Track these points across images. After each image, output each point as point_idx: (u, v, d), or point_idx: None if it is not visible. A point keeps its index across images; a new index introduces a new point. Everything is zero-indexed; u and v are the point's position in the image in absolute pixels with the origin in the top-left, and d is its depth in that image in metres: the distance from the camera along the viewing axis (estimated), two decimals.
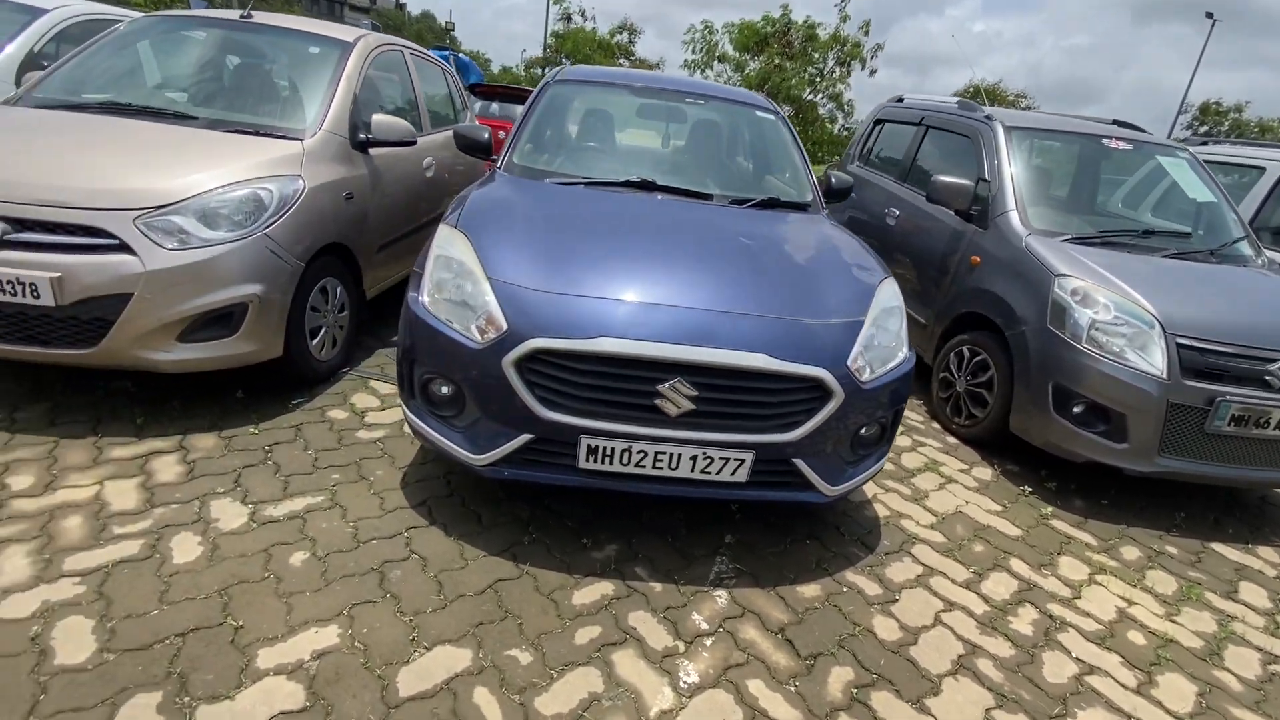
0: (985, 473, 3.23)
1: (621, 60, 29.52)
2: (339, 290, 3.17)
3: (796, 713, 1.73)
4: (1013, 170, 3.66)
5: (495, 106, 9.57)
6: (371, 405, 3.00)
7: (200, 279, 2.42)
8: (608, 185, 2.81)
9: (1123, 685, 2.02)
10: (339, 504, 2.29)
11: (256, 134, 2.94)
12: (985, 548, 2.60)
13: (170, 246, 2.37)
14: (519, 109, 9.49)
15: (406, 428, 2.83)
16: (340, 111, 3.22)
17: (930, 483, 3.05)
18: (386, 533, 2.18)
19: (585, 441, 1.98)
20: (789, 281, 2.29)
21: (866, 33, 21.95)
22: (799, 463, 2.09)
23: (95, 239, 2.31)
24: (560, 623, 1.91)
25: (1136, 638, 2.24)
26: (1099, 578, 2.53)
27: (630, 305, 2.02)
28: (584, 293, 2.03)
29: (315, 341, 3.00)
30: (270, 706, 1.54)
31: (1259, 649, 2.30)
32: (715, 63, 23.54)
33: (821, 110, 23.24)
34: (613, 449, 1.99)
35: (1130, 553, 2.75)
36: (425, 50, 4.78)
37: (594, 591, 2.06)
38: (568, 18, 30.95)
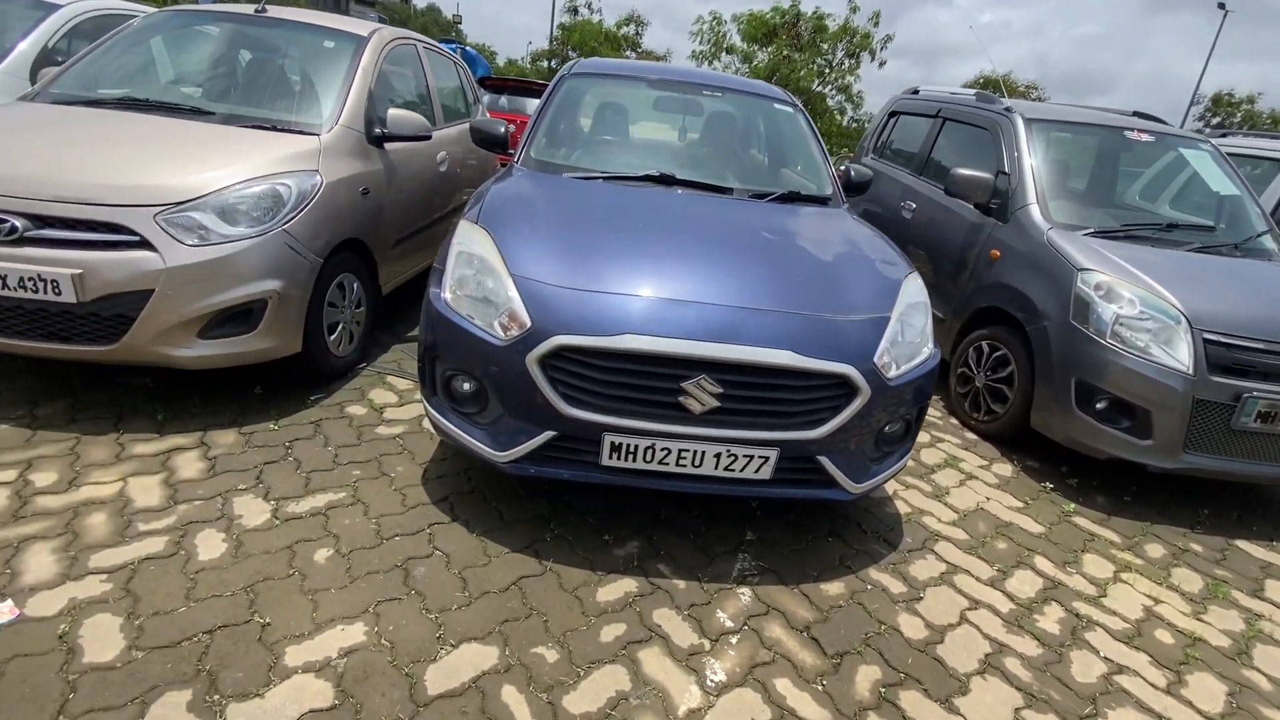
0: (1005, 469, 3.21)
1: (628, 52, 29.38)
2: (356, 286, 3.16)
3: (825, 712, 1.72)
4: (1033, 163, 3.61)
5: (504, 100, 9.55)
6: (389, 401, 2.99)
7: (220, 275, 2.41)
8: (627, 180, 2.79)
9: (1152, 685, 1.99)
10: (361, 500, 2.29)
11: (273, 129, 2.93)
12: (1008, 545, 2.58)
13: (190, 243, 2.37)
14: (528, 101, 9.53)
15: (426, 424, 2.83)
16: (356, 106, 3.20)
17: (950, 479, 3.03)
18: (409, 529, 2.18)
19: (609, 439, 1.97)
20: (813, 277, 2.27)
21: (876, 24, 21.75)
22: (823, 460, 2.07)
23: (116, 235, 2.31)
24: (585, 620, 1.90)
25: (1164, 637, 2.22)
26: (1124, 576, 2.51)
27: (654, 302, 2.00)
28: (607, 289, 2.02)
29: (333, 337, 3.00)
30: (300, 705, 1.54)
31: None
32: (723, 54, 23.39)
33: (830, 102, 23.08)
34: (636, 446, 1.98)
35: (1155, 550, 2.72)
36: (438, 43, 4.75)
37: (618, 588, 2.05)
38: (574, 10, 30.83)
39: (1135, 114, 4.39)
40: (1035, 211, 3.44)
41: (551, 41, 32.84)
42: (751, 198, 2.85)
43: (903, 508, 2.73)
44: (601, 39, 29.20)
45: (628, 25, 30.45)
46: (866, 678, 1.84)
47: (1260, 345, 2.77)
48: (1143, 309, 2.85)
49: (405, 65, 4.02)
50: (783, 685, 1.78)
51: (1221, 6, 30.14)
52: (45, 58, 3.98)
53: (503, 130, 3.12)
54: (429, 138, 3.61)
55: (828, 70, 22.54)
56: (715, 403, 1.93)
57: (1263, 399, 2.73)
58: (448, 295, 2.12)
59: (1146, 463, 2.85)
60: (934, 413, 3.70)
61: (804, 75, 21.83)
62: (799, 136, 3.40)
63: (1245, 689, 2.05)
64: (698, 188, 2.80)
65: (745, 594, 2.10)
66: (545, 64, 34.61)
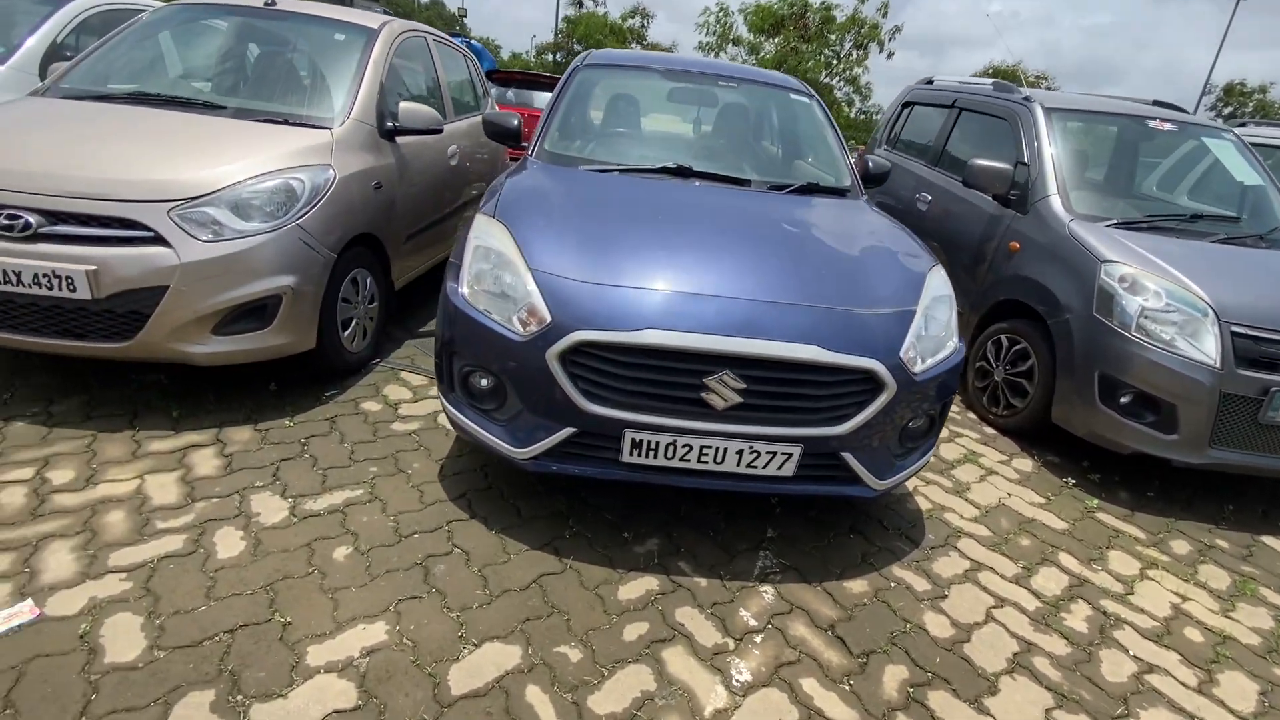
0: (1026, 464, 3.16)
1: (633, 45, 29.23)
2: (369, 281, 3.14)
3: (853, 712, 1.69)
4: (1054, 153, 3.55)
5: (511, 93, 9.50)
6: (404, 397, 2.97)
7: (235, 271, 2.39)
8: (643, 172, 2.75)
9: (1183, 685, 1.96)
10: (378, 497, 2.27)
11: (285, 123, 2.90)
12: (1032, 542, 2.54)
13: (205, 238, 2.35)
14: (535, 95, 9.46)
15: (441, 419, 2.81)
16: (368, 99, 3.17)
17: (971, 474, 2.99)
18: (428, 526, 2.16)
19: (629, 435, 1.94)
20: (837, 270, 2.23)
21: (884, 14, 21.55)
22: (847, 456, 2.04)
23: (130, 231, 2.29)
24: (607, 618, 1.88)
25: (1194, 635, 2.18)
26: (1151, 573, 2.47)
27: (675, 296, 1.97)
28: (627, 283, 1.98)
29: (347, 333, 2.98)
30: (323, 705, 1.52)
31: None
32: (729, 46, 23.23)
33: (838, 94, 22.91)
34: (657, 443, 1.95)
35: (1180, 547, 2.68)
36: (448, 36, 4.71)
37: (639, 586, 2.02)
38: (579, 2, 30.68)
39: (1155, 103, 4.32)
40: (1056, 202, 3.38)
41: (556, 35, 32.69)
42: (770, 189, 2.81)
43: (923, 504, 2.69)
44: (606, 31, 29.06)
45: (633, 18, 30.30)
46: (894, 677, 1.81)
47: None
48: (1169, 301, 2.79)
49: (415, 58, 3.98)
50: (809, 685, 1.75)
51: None
52: (54, 53, 3.96)
53: (516, 123, 3.08)
54: (441, 131, 3.58)
55: (835, 61, 22.37)
56: (738, 399, 1.90)
57: None
58: (465, 290, 2.09)
59: (1171, 458, 2.81)
60: (952, 407, 3.66)
61: (811, 67, 21.68)
62: (816, 127, 3.35)
63: (1277, 688, 2.01)
64: (715, 180, 2.76)
65: (768, 592, 2.07)
66: (550, 57, 34.47)
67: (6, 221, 2.24)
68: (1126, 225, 3.27)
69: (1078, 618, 2.16)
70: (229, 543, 1.98)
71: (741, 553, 2.24)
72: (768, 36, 22.43)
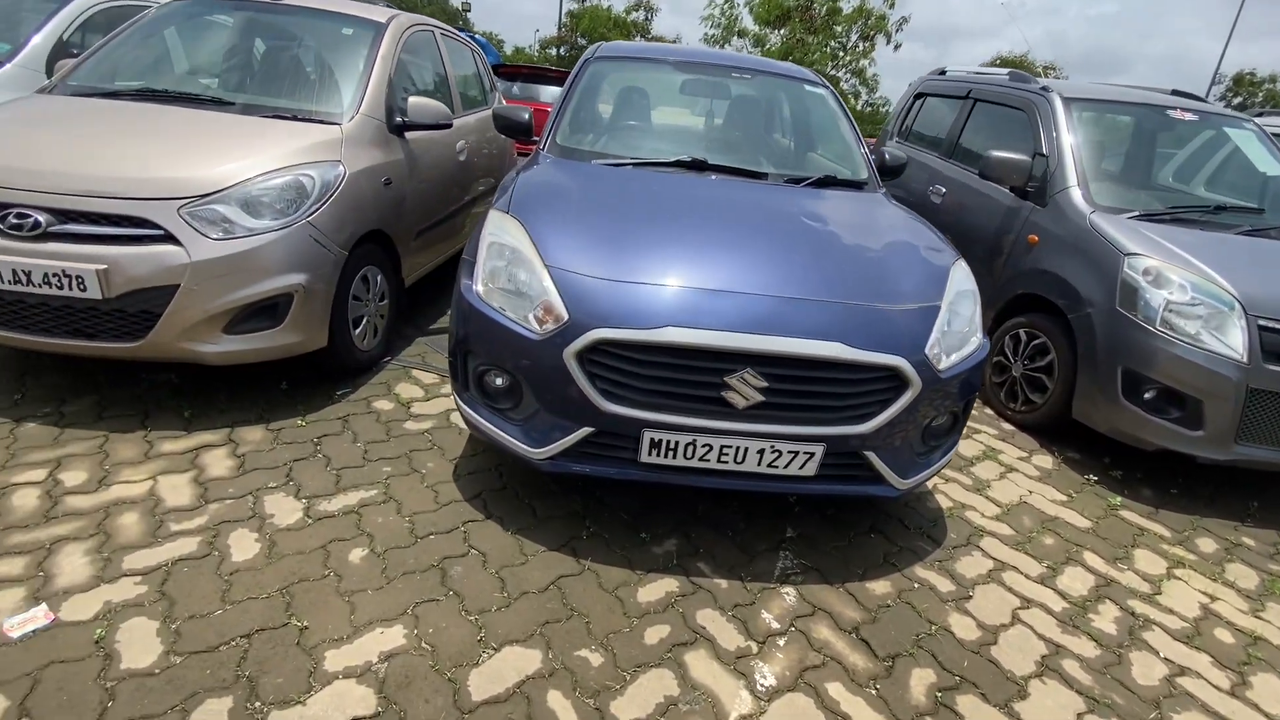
0: (1046, 461, 3.12)
1: (637, 38, 29.07)
2: (379, 279, 3.11)
3: (880, 718, 1.66)
4: (1073, 144, 3.48)
5: (516, 88, 9.43)
6: (416, 395, 2.94)
7: (246, 269, 2.36)
8: (658, 165, 2.71)
9: (1216, 687, 1.92)
10: (393, 498, 2.24)
11: (294, 119, 2.87)
12: (1055, 540, 2.50)
13: (215, 236, 2.32)
14: (542, 89, 9.40)
15: (454, 418, 2.78)
16: (377, 94, 3.13)
17: (990, 472, 2.94)
18: (443, 527, 2.13)
19: (648, 435, 1.90)
20: (859, 264, 2.18)
21: (892, 5, 21.35)
22: (870, 455, 1.99)
23: (140, 229, 2.26)
24: (628, 621, 1.85)
25: (1224, 635, 2.14)
26: (1178, 572, 2.42)
27: (696, 292, 1.92)
28: (646, 280, 1.94)
29: (358, 331, 2.95)
30: (343, 712, 1.49)
31: None
32: (735, 38, 23.07)
33: (844, 85, 22.73)
34: (676, 443, 1.91)
35: (1206, 545, 2.63)
36: (455, 30, 4.66)
37: (659, 588, 1.99)
38: None
39: (1174, 92, 4.24)
40: (1076, 194, 3.32)
41: (560, 28, 32.54)
42: (786, 182, 2.76)
43: (944, 502, 2.65)
44: (610, 25, 28.91)
45: (637, 11, 30.12)
46: (921, 681, 1.78)
47: None
48: (1194, 295, 2.74)
49: (423, 52, 3.94)
50: (835, 689, 1.72)
51: None
52: (61, 50, 3.93)
53: (527, 117, 3.04)
54: (450, 126, 3.54)
55: (842, 53, 22.18)
56: (759, 397, 1.86)
57: None
58: (480, 288, 2.06)
59: (1197, 454, 2.75)
60: None
61: (817, 59, 21.50)
62: (831, 119, 3.30)
63: None
64: (731, 173, 2.71)
65: (790, 593, 2.04)
66: (554, 51, 34.33)
67: (16, 221, 2.21)
68: (1149, 217, 3.20)
69: (1106, 619, 2.11)
70: (243, 545, 1.95)
71: (761, 553, 2.20)
72: (773, 28, 22.25)
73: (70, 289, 2.23)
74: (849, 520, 2.43)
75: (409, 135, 3.34)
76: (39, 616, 1.65)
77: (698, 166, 2.71)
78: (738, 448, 1.91)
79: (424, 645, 1.69)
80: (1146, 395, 2.82)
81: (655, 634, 1.82)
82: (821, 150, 3.27)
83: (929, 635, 1.94)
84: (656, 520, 2.29)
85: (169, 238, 2.27)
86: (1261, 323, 2.66)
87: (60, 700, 1.45)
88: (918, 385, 1.92)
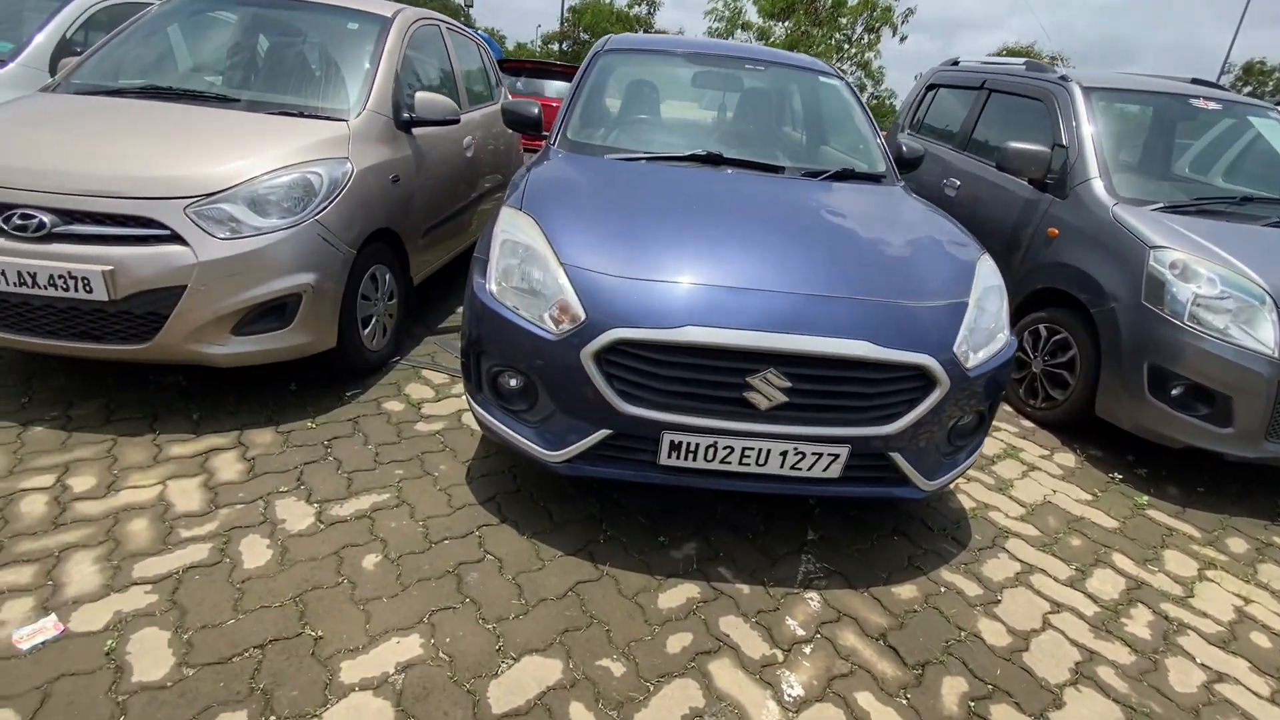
0: (1068, 459, 3.05)
1: (640, 32, 28.94)
2: (388, 278, 3.06)
3: None
4: (1094, 135, 3.41)
5: (520, 83, 9.37)
6: (426, 396, 2.90)
7: (254, 269, 2.32)
8: (672, 160, 2.65)
9: (1256, 694, 1.86)
10: (406, 502, 2.20)
11: (300, 115, 2.82)
12: (1083, 542, 2.44)
13: (222, 236, 2.27)
14: (546, 84, 9.33)
15: (466, 419, 2.73)
16: (384, 90, 3.08)
17: (1012, 470, 2.88)
18: (458, 532, 2.09)
19: (668, 437, 1.85)
20: (883, 260, 2.12)
21: None
22: (896, 456, 1.94)
23: (146, 229, 2.21)
24: (649, 629, 1.80)
25: (1260, 640, 2.07)
26: (1209, 573, 2.36)
27: (717, 290, 1.87)
28: (665, 278, 1.89)
29: (367, 331, 2.90)
30: None
31: None
32: (739, 30, 22.90)
33: (849, 78, 22.58)
34: (697, 445, 1.86)
35: (1237, 545, 2.57)
36: (461, 24, 4.60)
37: (679, 594, 1.94)
38: None
39: (1194, 80, 4.15)
40: (1098, 186, 3.24)
41: (562, 24, 32.41)
42: (804, 176, 2.70)
43: (966, 502, 2.59)
44: (613, 20, 28.77)
45: (639, 5, 29.96)
46: (953, 690, 1.72)
47: None
48: (1223, 288, 2.67)
49: (429, 47, 3.88)
50: (865, 699, 1.67)
51: None
52: (64, 49, 3.89)
53: (536, 111, 2.98)
54: (458, 121, 3.48)
55: (847, 45, 22.01)
56: (783, 398, 1.80)
57: None
58: (493, 287, 2.01)
59: (1225, 452, 2.69)
60: None
61: (822, 51, 21.34)
62: (847, 111, 3.23)
63: None
64: (747, 166, 2.65)
65: (813, 599, 1.98)
66: (556, 47, 34.20)
67: (20, 222, 2.17)
68: (1173, 209, 3.13)
69: (1139, 623, 2.06)
70: (255, 551, 1.91)
71: (783, 557, 2.15)
72: (778, 20, 22.09)
73: (76, 291, 2.19)
74: (871, 522, 2.37)
75: (416, 131, 3.29)
76: (48, 627, 1.61)
77: (713, 160, 2.65)
78: (760, 450, 1.86)
79: (441, 655, 1.65)
80: (1174, 391, 2.75)
81: (678, 642, 1.77)
82: (838, 143, 3.20)
83: (958, 641, 1.89)
84: (675, 523, 2.24)
85: (175, 238, 2.22)
86: None
87: (70, 715, 1.41)
88: (946, 384, 1.86)
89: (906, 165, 3.09)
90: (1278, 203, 3.43)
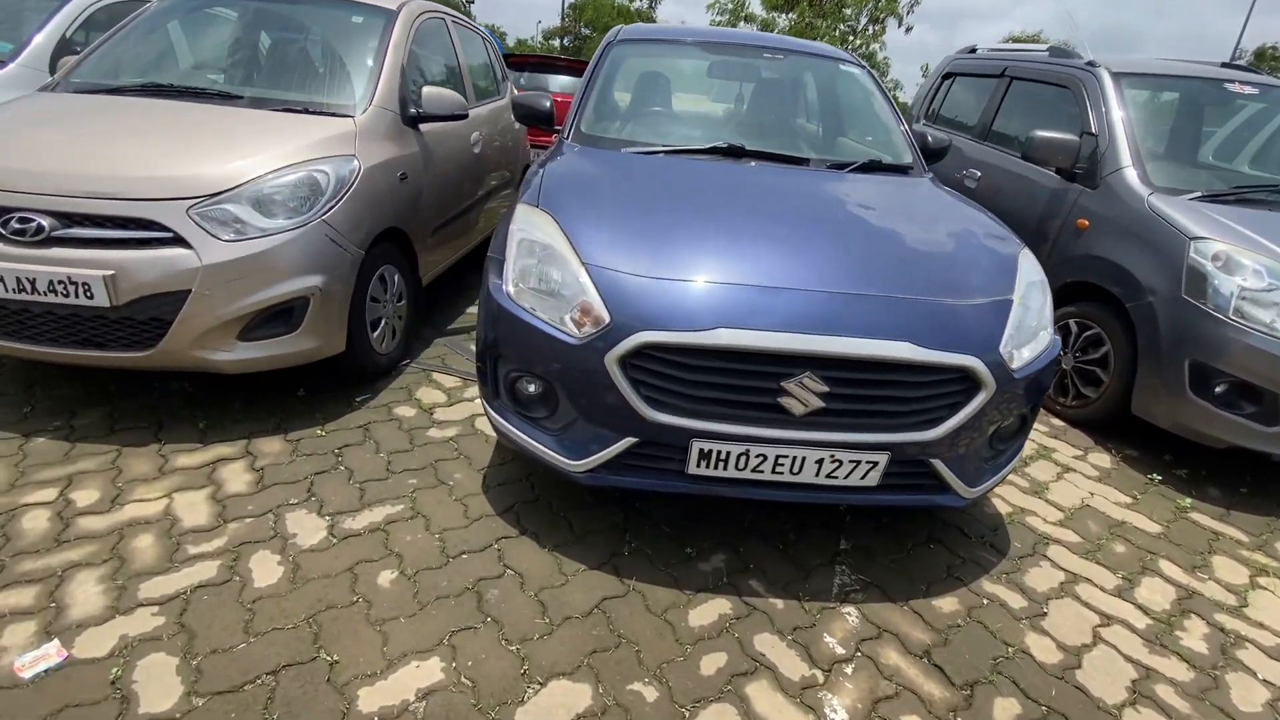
0: (1103, 459, 2.94)
1: None
2: (396, 278, 2.97)
3: None
4: (1126, 122, 3.28)
5: (524, 78, 9.24)
6: (438, 400, 2.81)
7: (260, 272, 2.23)
8: (692, 153, 2.54)
9: None
10: (421, 513, 2.11)
11: (305, 112, 2.72)
12: (1127, 548, 2.33)
13: (226, 238, 2.18)
14: (550, 79, 9.21)
15: (480, 424, 2.64)
16: (390, 85, 2.98)
17: (1046, 472, 2.77)
18: (476, 545, 2.00)
19: (697, 445, 1.75)
20: (921, 256, 2.01)
21: None
22: (936, 463, 1.84)
23: (148, 232, 2.13)
24: (681, 649, 1.71)
25: None
26: (1261, 580, 2.25)
27: (749, 290, 1.77)
28: (693, 277, 1.79)
29: (376, 334, 2.81)
30: None
31: None
32: (742, 23, 22.71)
33: None
34: (728, 453, 1.76)
35: None
36: (466, 17, 4.50)
37: (710, 610, 1.85)
38: None
39: (1224, 65, 4.02)
40: (1132, 175, 3.12)
41: (563, 19, 32.23)
42: (829, 168, 2.59)
43: (1002, 507, 2.49)
44: (614, 14, 28.58)
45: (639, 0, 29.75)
46: (1006, 712, 1.63)
47: None
48: (1271, 281, 2.55)
49: (435, 40, 3.77)
50: None
51: None
52: (64, 48, 3.81)
53: (548, 105, 2.87)
54: (465, 116, 3.39)
55: (852, 36, 21.79)
56: (820, 403, 1.70)
57: None
58: (510, 288, 1.91)
59: (1274, 452, 2.58)
60: None
61: (827, 43, 21.15)
62: (870, 100, 3.11)
63: None
64: (771, 159, 2.54)
65: (851, 614, 1.89)
66: (557, 42, 34.03)
67: (18, 226, 2.08)
68: (1212, 198, 3.00)
69: (1194, 636, 1.95)
70: (266, 569, 1.83)
71: (816, 568, 2.05)
72: (782, 12, 21.88)
73: (76, 297, 2.11)
74: (905, 530, 2.27)
75: (423, 127, 3.19)
76: (51, 654, 1.53)
77: (735, 153, 2.54)
78: (794, 458, 1.76)
79: (464, 680, 1.56)
80: (1217, 389, 2.64)
81: (712, 663, 1.68)
82: (861, 133, 3.09)
83: (1007, 659, 1.79)
84: (702, 533, 2.14)
85: (178, 240, 2.13)
86: None
87: None
88: (991, 387, 1.76)
89: (932, 155, 2.98)
90: None
